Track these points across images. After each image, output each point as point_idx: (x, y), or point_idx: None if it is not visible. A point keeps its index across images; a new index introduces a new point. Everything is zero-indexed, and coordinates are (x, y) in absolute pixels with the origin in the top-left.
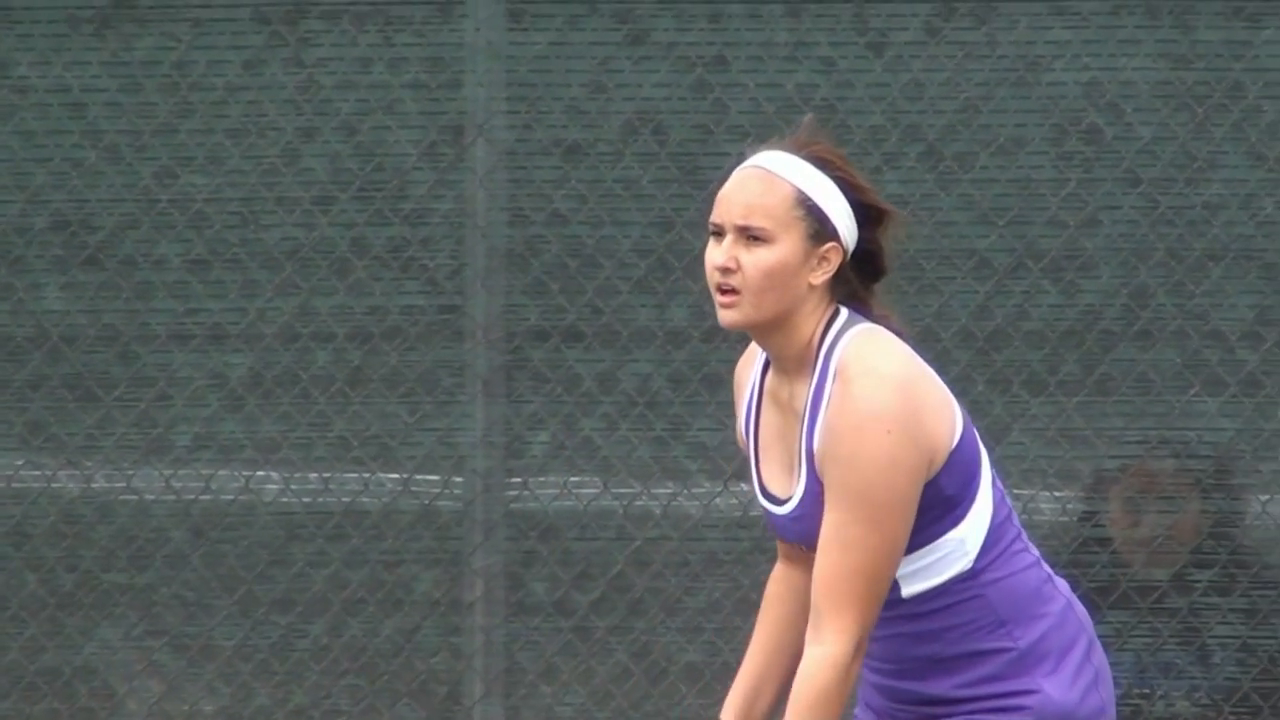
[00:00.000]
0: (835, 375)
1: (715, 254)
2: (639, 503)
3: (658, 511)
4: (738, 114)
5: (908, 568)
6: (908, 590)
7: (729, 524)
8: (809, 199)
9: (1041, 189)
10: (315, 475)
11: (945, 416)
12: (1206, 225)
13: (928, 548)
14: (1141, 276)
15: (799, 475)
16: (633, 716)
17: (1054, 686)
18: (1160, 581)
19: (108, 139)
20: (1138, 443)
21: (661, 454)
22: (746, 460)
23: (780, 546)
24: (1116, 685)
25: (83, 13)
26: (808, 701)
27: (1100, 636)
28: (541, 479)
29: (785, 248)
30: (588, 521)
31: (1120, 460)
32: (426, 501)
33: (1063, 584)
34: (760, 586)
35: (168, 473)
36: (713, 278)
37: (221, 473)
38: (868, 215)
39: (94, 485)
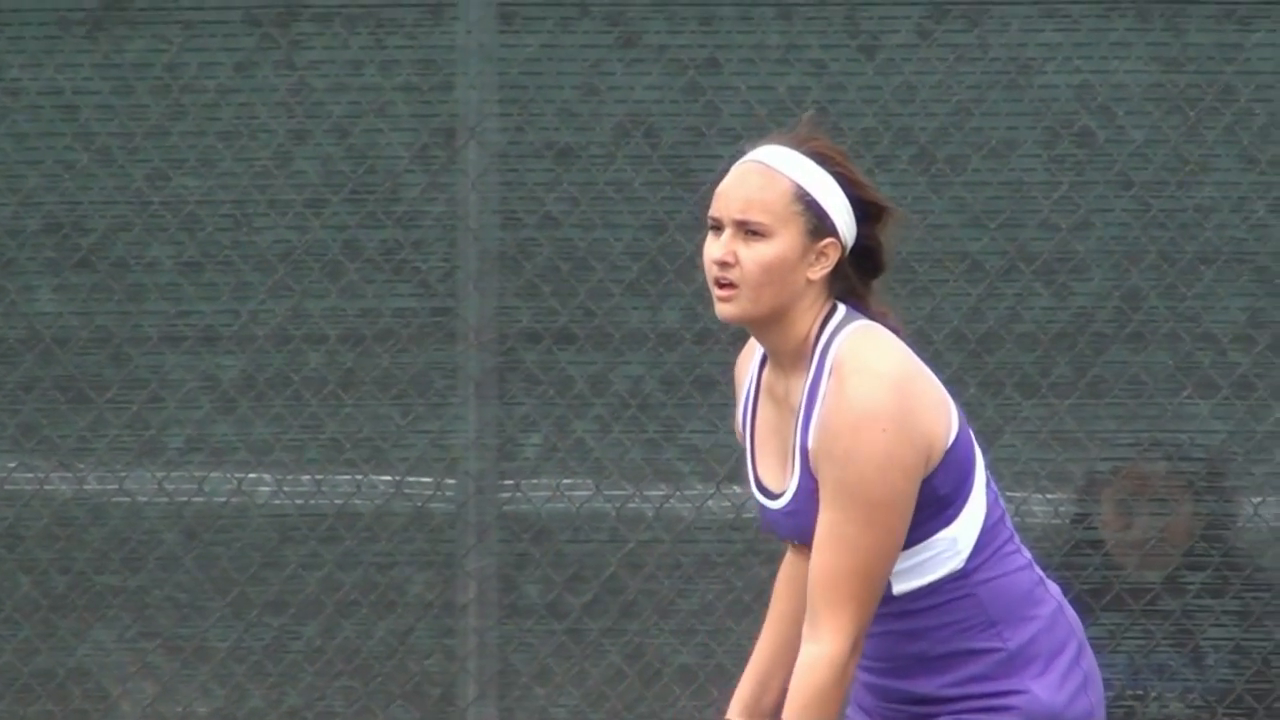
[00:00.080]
0: (831, 371)
1: (713, 248)
2: (632, 505)
3: (650, 514)
4: (730, 116)
5: (899, 565)
6: (899, 588)
7: (721, 526)
8: (808, 194)
9: (1033, 191)
10: (308, 477)
11: (941, 415)
12: (1198, 228)
13: (920, 545)
14: (1133, 279)
15: (793, 470)
16: (626, 718)
17: (1042, 688)
18: (1153, 583)
19: (100, 141)
20: (1130, 445)
21: (654, 456)
22: (743, 453)
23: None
24: (1110, 687)
25: (74, 15)
26: (804, 700)
27: (1093, 638)
28: (534, 481)
29: (784, 243)
30: (580, 523)
31: (1112, 462)
32: (419, 503)
33: (1054, 588)
34: (753, 588)
35: (160, 474)
36: (711, 272)
37: (214, 474)
38: (867, 211)
39: (87, 487)
